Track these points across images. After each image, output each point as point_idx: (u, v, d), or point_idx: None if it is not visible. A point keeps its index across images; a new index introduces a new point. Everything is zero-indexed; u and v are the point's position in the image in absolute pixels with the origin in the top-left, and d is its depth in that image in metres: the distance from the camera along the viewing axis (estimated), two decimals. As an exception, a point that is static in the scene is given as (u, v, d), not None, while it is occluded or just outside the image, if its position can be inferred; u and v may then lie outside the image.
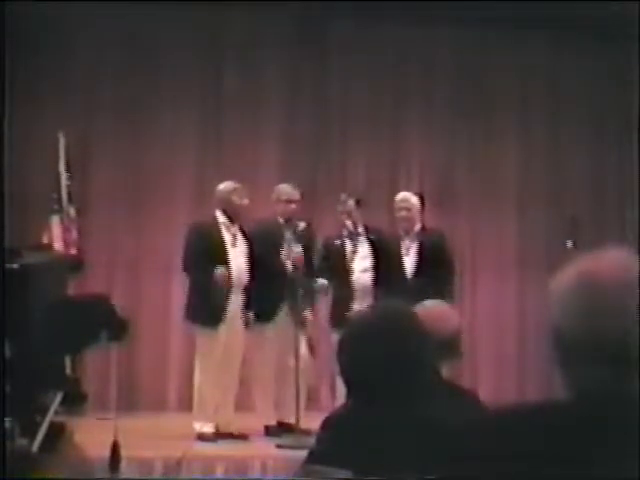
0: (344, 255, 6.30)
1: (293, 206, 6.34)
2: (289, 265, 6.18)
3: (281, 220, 6.33)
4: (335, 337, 5.51)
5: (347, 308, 5.98)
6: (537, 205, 8.42)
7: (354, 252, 6.33)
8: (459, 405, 2.30)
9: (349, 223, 6.37)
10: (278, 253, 6.23)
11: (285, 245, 6.24)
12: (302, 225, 6.31)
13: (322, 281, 6.26)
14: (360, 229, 6.41)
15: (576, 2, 7.34)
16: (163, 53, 7.98)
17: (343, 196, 6.52)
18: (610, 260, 1.30)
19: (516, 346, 8.29)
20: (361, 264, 6.31)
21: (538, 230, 8.32)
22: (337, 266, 6.30)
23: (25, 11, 7.05)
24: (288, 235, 6.27)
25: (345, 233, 6.38)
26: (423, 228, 6.39)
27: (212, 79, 8.09)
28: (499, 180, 8.44)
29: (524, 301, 8.28)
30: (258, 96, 8.12)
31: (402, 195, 6.53)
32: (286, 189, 6.43)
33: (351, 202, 6.44)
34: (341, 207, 6.47)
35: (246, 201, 6.25)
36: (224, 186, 6.31)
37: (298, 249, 6.22)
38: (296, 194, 6.42)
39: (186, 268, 6.21)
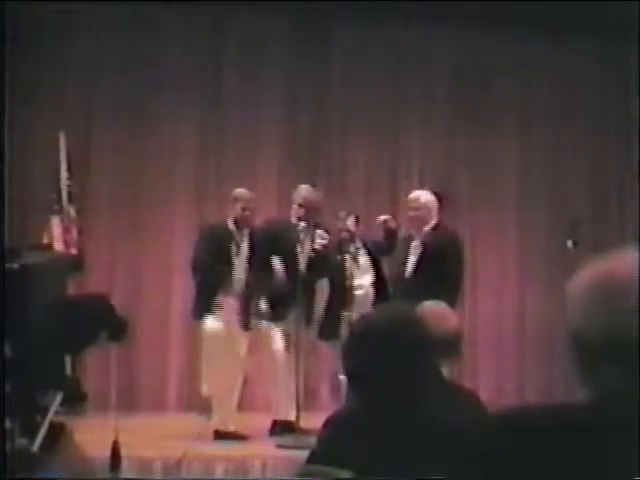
0: (345, 272, 6.29)
1: (304, 209, 6.22)
2: (302, 265, 6.09)
3: (296, 221, 6.20)
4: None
5: (340, 323, 5.92)
6: (537, 205, 8.42)
7: (354, 269, 6.31)
8: (460, 405, 2.31)
9: (347, 239, 6.34)
10: (291, 253, 6.13)
11: (299, 246, 6.13)
12: (302, 225, 6.25)
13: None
14: (359, 245, 6.39)
15: (576, 2, 7.34)
16: (163, 53, 7.98)
17: (342, 213, 6.47)
18: (626, 260, 1.29)
19: (516, 346, 8.28)
20: (360, 281, 6.30)
21: (538, 230, 8.32)
22: (337, 282, 6.26)
23: (25, 11, 7.04)
24: (302, 236, 6.18)
25: (345, 249, 6.36)
26: (436, 227, 6.10)
27: (212, 79, 8.09)
28: (499, 180, 8.44)
29: (524, 301, 8.28)
30: (258, 96, 8.12)
31: (413, 194, 6.30)
32: (302, 191, 6.34)
33: (351, 219, 6.41)
34: (341, 224, 6.42)
35: (247, 213, 6.18)
36: (233, 193, 6.28)
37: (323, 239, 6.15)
38: (311, 197, 6.32)
39: (193, 268, 6.24)
